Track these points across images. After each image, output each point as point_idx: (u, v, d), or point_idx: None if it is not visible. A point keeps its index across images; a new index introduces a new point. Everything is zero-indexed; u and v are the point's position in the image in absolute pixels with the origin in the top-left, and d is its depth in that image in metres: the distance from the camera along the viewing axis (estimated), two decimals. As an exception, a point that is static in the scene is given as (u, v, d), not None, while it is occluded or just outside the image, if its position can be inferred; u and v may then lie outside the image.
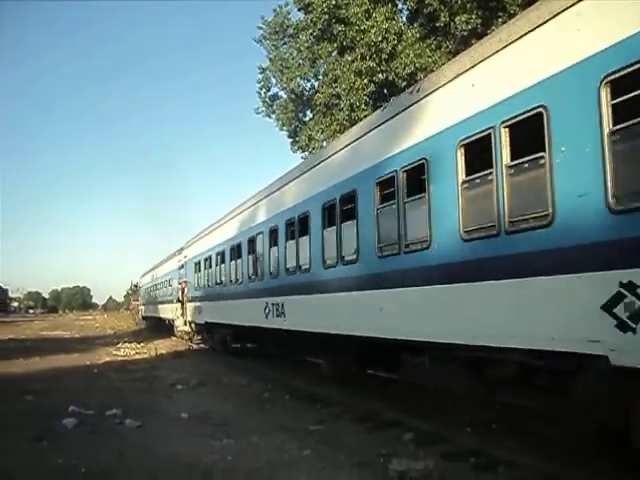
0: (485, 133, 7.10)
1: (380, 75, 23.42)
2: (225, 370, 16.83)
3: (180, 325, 30.18)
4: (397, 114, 9.46)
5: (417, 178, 8.68)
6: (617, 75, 5.47)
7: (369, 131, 10.46)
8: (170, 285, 34.18)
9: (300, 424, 9.29)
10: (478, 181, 7.37)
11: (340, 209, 11.02)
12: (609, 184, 5.48)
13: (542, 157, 6.28)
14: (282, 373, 15.15)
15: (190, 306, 26.65)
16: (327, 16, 23.86)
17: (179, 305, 29.60)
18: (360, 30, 23.02)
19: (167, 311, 34.75)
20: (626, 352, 5.25)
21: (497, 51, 7.16)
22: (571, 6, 6.02)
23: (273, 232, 14.95)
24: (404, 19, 25.22)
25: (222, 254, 20.45)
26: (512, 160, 6.78)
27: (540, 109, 6.30)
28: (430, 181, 8.21)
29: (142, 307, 55.52)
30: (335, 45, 25.01)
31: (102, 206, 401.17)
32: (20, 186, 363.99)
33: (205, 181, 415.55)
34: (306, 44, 27.01)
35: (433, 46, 23.03)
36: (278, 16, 28.63)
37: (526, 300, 6.49)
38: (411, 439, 8.14)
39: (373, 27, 22.70)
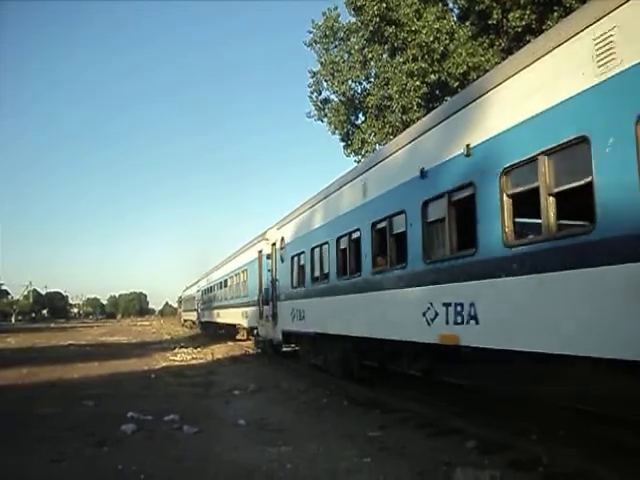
0: None
1: (432, 76, 23.06)
2: (282, 375, 16.75)
3: (197, 323, 54.00)
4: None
5: None
6: None
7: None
8: (195, 300, 56.13)
9: (359, 430, 9.06)
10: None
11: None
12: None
13: None
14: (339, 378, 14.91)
15: (202, 313, 48.66)
16: (378, 18, 23.65)
17: (197, 312, 53.65)
18: (411, 31, 22.76)
19: (193, 316, 58.67)
20: (247, 322, 25.87)
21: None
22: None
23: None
24: (455, 18, 24.87)
25: (210, 289, 42.78)
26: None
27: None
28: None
29: (183, 313, 77.30)
30: (386, 47, 24.81)
31: (162, 214, 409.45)
32: (83, 195, 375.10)
33: (267, 195, 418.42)
34: (357, 47, 26.83)
35: (486, 44, 22.64)
36: (328, 19, 28.41)
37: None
38: (474, 447, 7.79)
39: (424, 27, 22.41)
